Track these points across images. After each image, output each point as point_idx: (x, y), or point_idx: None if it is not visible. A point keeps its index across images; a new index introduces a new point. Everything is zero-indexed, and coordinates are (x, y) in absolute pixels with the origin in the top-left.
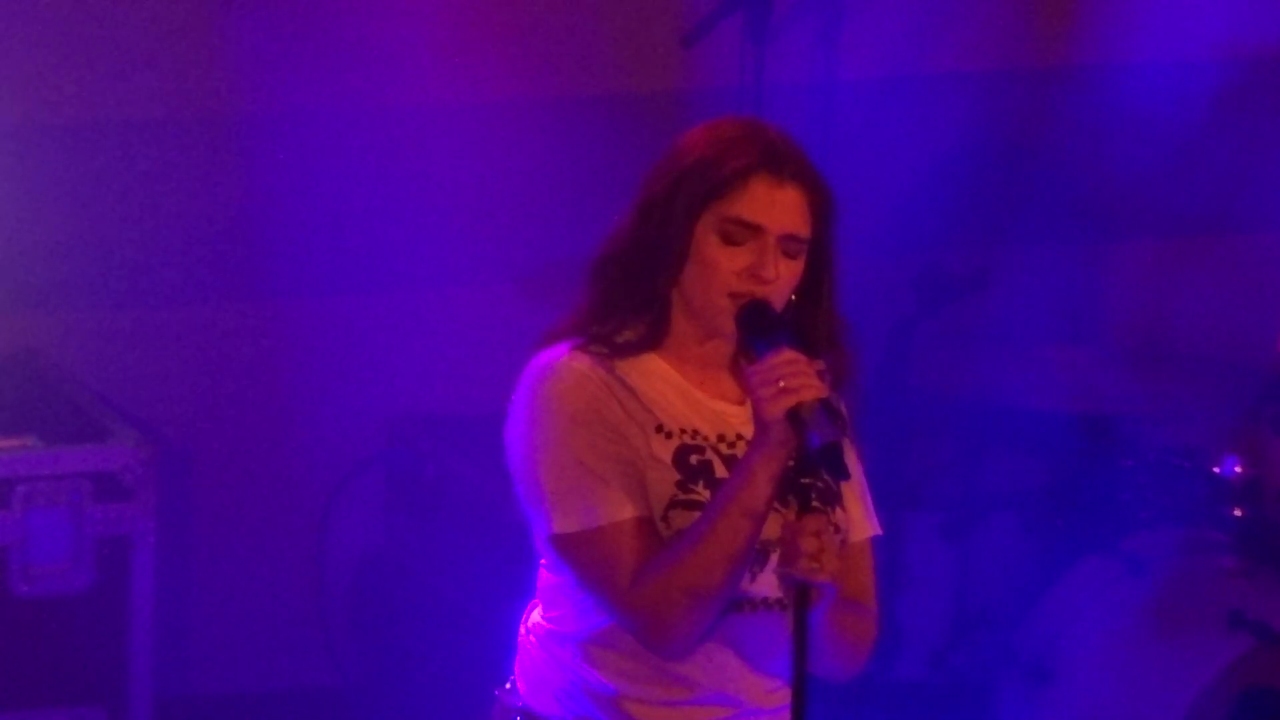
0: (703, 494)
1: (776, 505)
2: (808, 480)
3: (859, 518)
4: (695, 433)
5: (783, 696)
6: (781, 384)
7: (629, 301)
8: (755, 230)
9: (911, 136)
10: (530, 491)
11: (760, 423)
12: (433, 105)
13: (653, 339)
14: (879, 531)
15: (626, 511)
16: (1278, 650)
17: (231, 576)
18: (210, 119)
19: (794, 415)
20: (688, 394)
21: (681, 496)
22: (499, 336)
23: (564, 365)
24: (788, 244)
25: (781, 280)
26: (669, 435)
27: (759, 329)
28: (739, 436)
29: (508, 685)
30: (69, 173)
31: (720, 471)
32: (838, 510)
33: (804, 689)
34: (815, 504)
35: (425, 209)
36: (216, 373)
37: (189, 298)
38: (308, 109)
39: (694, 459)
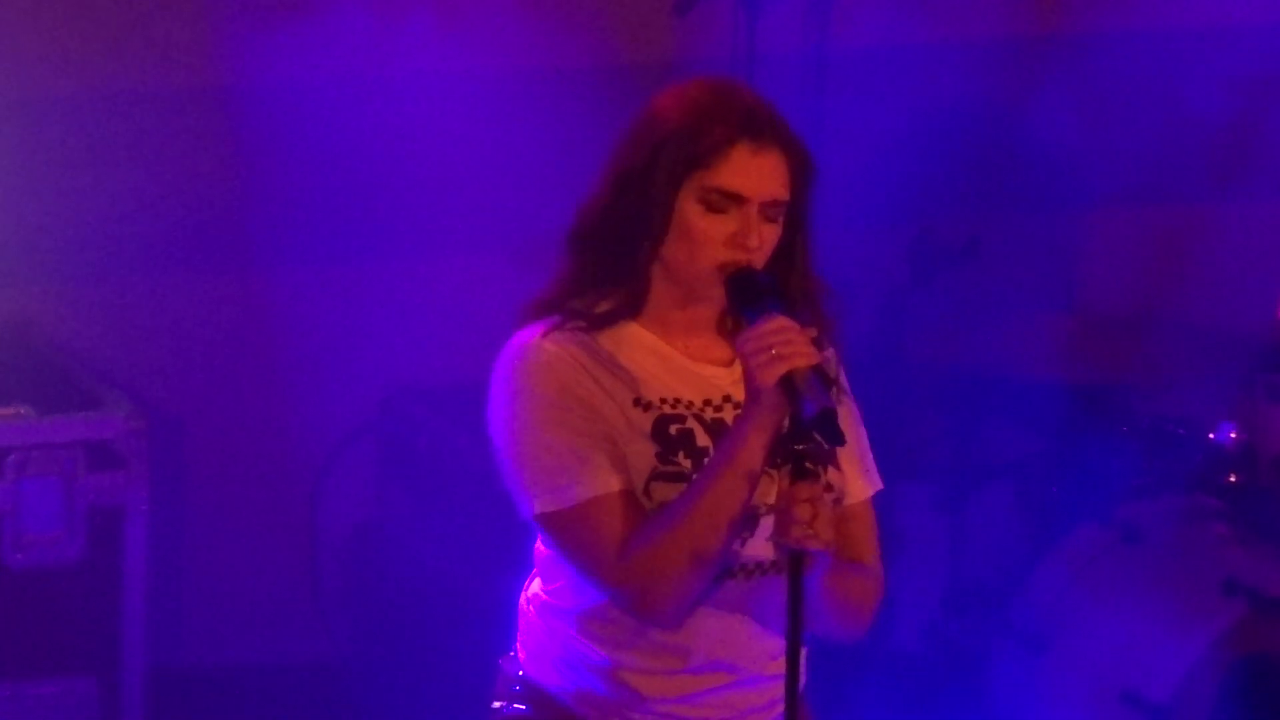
0: (683, 464)
1: (769, 470)
2: (800, 446)
3: (856, 477)
4: (676, 401)
5: (781, 663)
6: (774, 351)
7: (610, 273)
8: (739, 199)
9: (903, 106)
10: (512, 474)
11: (752, 390)
12: (424, 76)
13: (632, 307)
14: (880, 487)
15: (608, 485)
16: (1273, 616)
17: (224, 547)
18: (202, 90)
19: (787, 382)
20: (671, 360)
21: (662, 468)
22: (491, 307)
23: (536, 346)
24: (768, 209)
25: (764, 245)
26: (647, 407)
27: (748, 297)
28: (725, 399)
29: (511, 654)
30: (62, 145)
31: (702, 440)
32: (830, 470)
33: (798, 657)
34: (808, 466)
35: (417, 179)
36: (209, 343)
37: (181, 269)
38: (299, 80)
39: (674, 429)
